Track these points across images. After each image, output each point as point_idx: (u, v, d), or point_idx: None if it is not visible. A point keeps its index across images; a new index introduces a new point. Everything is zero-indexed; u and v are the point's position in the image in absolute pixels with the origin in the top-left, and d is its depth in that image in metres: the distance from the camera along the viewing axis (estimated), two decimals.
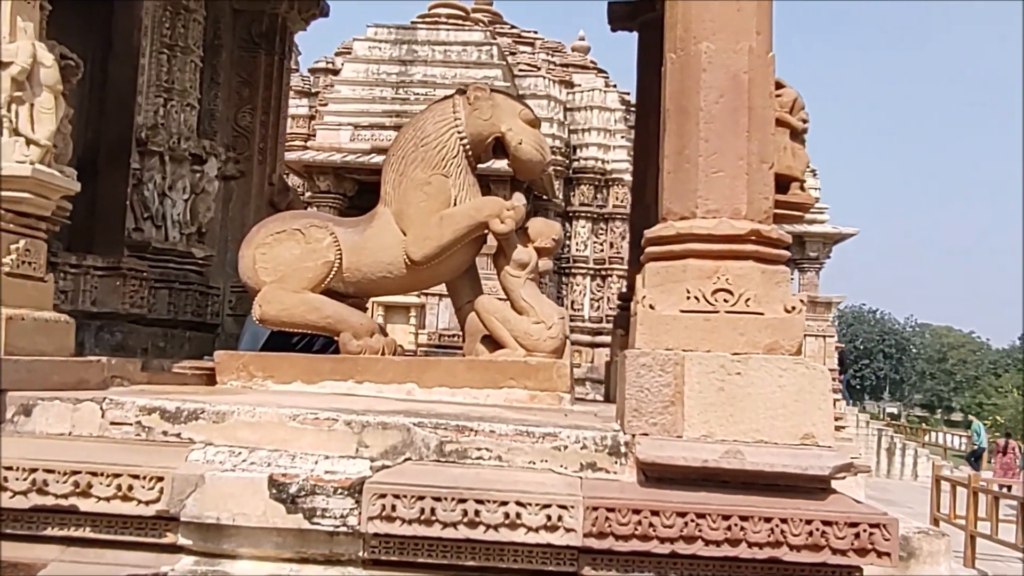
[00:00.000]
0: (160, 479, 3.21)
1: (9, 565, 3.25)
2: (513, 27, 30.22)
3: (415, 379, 5.24)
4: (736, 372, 3.34)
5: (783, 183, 3.84)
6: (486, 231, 5.42)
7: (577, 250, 23.33)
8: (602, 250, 23.11)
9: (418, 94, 21.03)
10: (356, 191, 17.92)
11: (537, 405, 5.09)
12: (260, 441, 3.40)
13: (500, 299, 5.58)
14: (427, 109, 5.72)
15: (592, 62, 31.67)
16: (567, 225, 28.03)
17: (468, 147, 5.52)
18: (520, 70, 27.80)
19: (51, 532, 3.30)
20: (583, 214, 24.12)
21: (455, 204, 5.45)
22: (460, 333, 14.30)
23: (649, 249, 3.71)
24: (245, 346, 6.70)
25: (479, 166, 5.69)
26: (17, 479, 3.25)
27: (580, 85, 29.30)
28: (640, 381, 3.37)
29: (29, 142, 3.82)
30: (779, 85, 3.86)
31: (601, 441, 3.37)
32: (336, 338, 5.96)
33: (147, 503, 3.21)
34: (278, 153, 8.05)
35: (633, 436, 3.36)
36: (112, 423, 3.50)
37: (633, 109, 28.74)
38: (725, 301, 3.44)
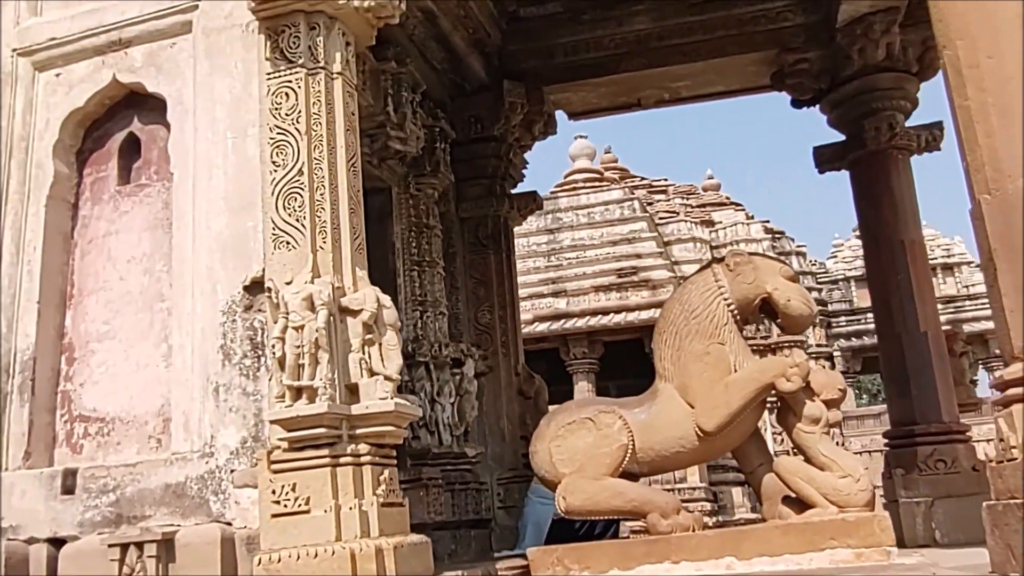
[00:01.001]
0: None
1: None
2: (643, 179, 30.96)
3: (731, 552, 5.16)
4: None
5: None
6: (773, 391, 5.45)
7: None
8: None
9: (569, 259, 21.62)
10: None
11: (866, 563, 4.91)
12: None
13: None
14: (688, 282, 5.93)
15: (727, 198, 31.96)
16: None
17: (735, 312, 5.64)
18: (660, 218, 28.23)
19: None
20: (749, 347, 23.46)
21: (735, 370, 5.52)
22: None
23: (1011, 391, 3.62)
24: (531, 538, 6.83)
25: None
26: None
27: (721, 222, 29.47)
28: None
29: (386, 378, 4.18)
30: None
31: None
32: (630, 521, 6.02)
33: None
34: (518, 344, 8.41)
35: None
36: None
37: (779, 236, 28.32)
38: None
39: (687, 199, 31.35)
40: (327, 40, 4.59)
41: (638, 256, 24.80)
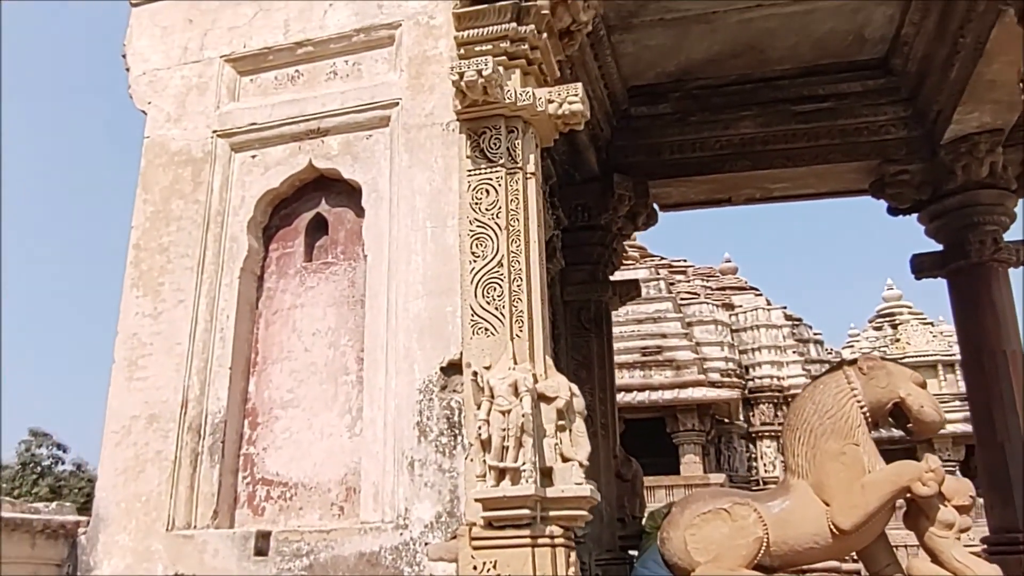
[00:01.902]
0: None
1: None
2: (663, 258, 31.35)
3: None
4: None
5: None
6: (907, 495, 5.63)
7: (766, 471, 22.89)
8: None
9: None
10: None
11: None
12: None
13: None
14: (818, 382, 6.15)
15: (745, 282, 32.23)
16: (751, 446, 27.40)
17: (867, 414, 5.87)
18: (682, 298, 28.51)
19: None
20: (766, 433, 23.84)
21: (868, 471, 5.72)
22: None
23: None
24: None
25: None
26: None
27: (741, 306, 29.69)
28: None
29: (579, 464, 4.41)
30: None
31: None
32: None
33: None
34: (616, 427, 8.62)
35: None
36: None
37: (798, 323, 28.32)
38: None
39: (707, 281, 31.70)
40: (523, 142, 4.95)
41: (663, 336, 25.06)
